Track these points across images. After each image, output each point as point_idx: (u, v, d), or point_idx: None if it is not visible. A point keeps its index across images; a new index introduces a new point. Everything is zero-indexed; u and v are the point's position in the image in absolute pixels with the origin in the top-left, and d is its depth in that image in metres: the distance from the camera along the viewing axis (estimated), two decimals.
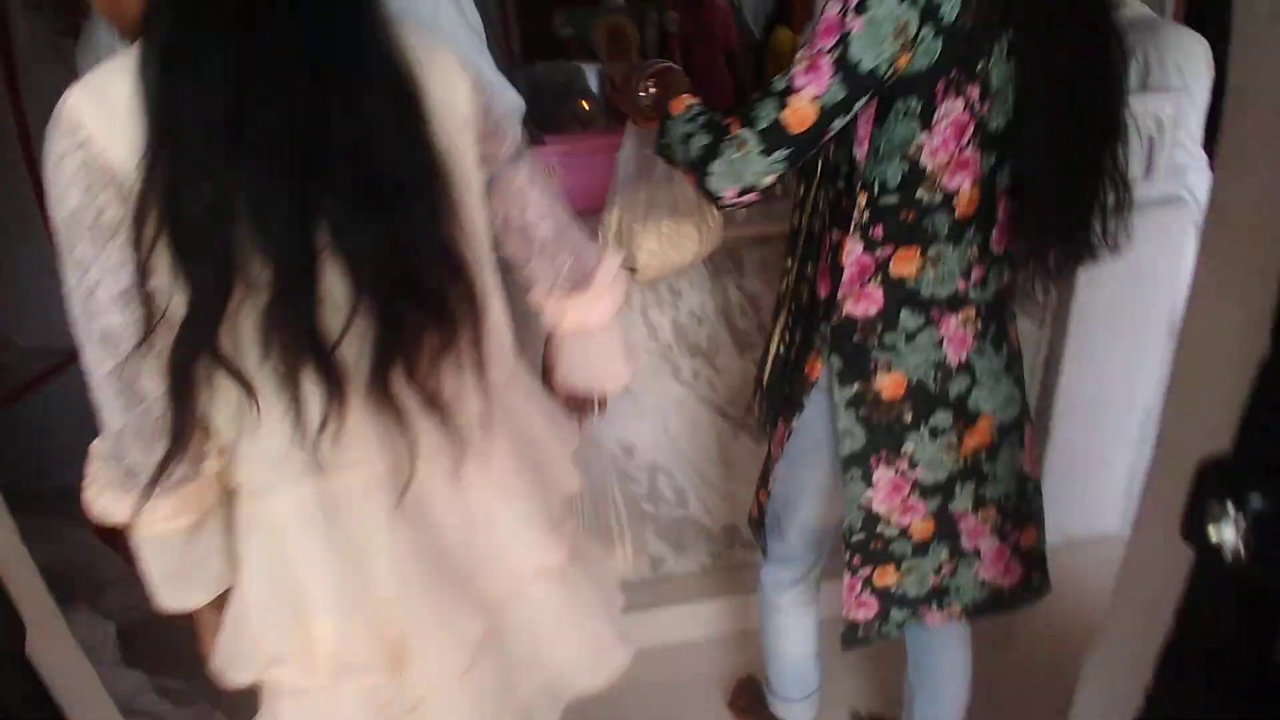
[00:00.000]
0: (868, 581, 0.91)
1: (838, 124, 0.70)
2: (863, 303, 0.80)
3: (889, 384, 0.82)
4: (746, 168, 0.70)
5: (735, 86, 3.22)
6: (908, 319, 0.80)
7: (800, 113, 0.68)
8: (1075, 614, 1.55)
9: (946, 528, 0.89)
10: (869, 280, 0.79)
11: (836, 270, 0.80)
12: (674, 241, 1.01)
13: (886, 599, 0.92)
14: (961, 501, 0.88)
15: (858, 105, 0.69)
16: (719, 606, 1.46)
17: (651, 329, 1.30)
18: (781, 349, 0.92)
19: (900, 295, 0.79)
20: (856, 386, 0.82)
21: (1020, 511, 0.92)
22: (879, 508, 0.87)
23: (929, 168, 0.73)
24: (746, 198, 0.73)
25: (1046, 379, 1.56)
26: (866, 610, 0.93)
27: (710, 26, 3.20)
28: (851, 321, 0.81)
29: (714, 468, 1.43)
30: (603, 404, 0.90)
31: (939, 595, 0.92)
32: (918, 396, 0.82)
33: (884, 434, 0.84)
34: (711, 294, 1.30)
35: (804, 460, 0.92)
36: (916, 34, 0.67)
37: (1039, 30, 0.70)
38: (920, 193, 0.75)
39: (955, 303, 0.80)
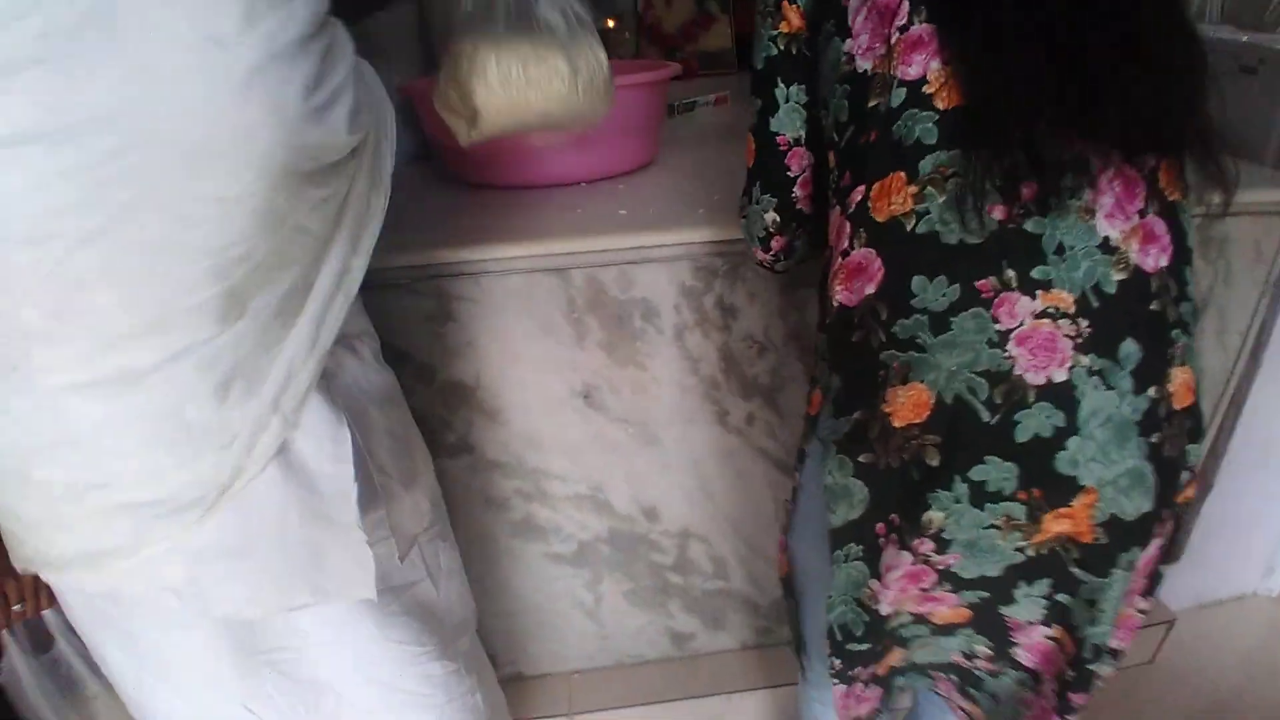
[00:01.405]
0: (871, 679, 0.69)
1: (780, 124, 0.64)
2: (855, 280, 0.56)
3: (905, 402, 0.53)
4: (748, 220, 0.70)
5: None
6: (930, 291, 0.52)
7: (747, 147, 0.67)
8: (1193, 688, 1.26)
9: (991, 624, 0.62)
10: (853, 243, 0.56)
11: (830, 257, 0.60)
12: (530, 77, 0.70)
13: (890, 677, 0.71)
14: (1025, 609, 0.59)
15: (779, 94, 0.63)
16: (761, 697, 1.14)
17: (690, 359, 0.91)
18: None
19: (906, 251, 0.53)
20: (857, 415, 0.56)
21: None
22: (887, 607, 0.61)
23: (867, 69, 0.55)
24: (775, 245, 0.69)
25: (1224, 423, 1.16)
26: (866, 705, 0.72)
27: None
28: (846, 313, 0.57)
29: (766, 533, 1.07)
30: None
31: (963, 675, 0.70)
32: (953, 425, 0.52)
33: (893, 487, 0.55)
34: (781, 312, 0.90)
35: (809, 533, 0.67)
36: None
37: None
38: (872, 101, 0.54)
39: (1021, 268, 0.51)
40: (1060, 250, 0.52)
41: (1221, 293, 1.01)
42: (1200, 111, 0.54)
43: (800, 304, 0.89)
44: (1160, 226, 0.54)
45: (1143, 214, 0.53)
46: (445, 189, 1.06)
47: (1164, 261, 0.53)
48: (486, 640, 1.08)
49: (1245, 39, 1.11)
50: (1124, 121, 0.52)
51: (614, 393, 0.93)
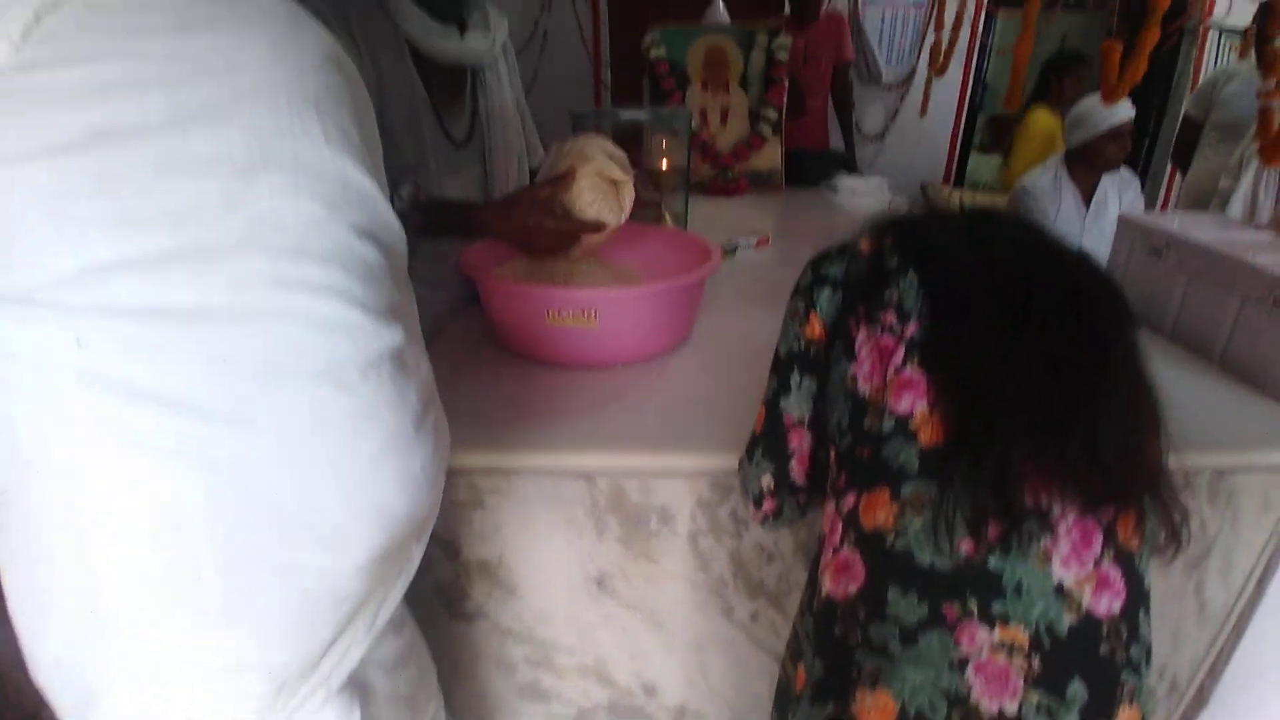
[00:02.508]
0: None
1: (789, 405, 0.71)
2: (842, 577, 0.60)
3: (871, 707, 0.56)
4: (745, 476, 0.76)
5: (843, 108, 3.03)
6: (902, 605, 0.57)
7: (758, 415, 0.74)
8: None
9: None
10: (843, 542, 0.61)
11: (822, 547, 0.66)
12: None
13: None
14: None
15: (793, 381, 0.70)
16: None
17: (701, 559, 0.96)
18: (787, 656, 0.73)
19: (885, 562, 0.58)
20: (830, 708, 0.58)
21: None
22: None
23: (866, 394, 0.63)
24: (766, 506, 0.76)
25: (1224, 648, 1.16)
26: None
27: (821, 46, 2.77)
28: (831, 606, 0.61)
29: (761, 714, 1.09)
30: None
31: None
32: None
33: None
34: (792, 529, 0.94)
35: None
36: (811, 302, 0.69)
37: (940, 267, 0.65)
38: (867, 422, 0.62)
39: (982, 600, 0.56)
40: (1019, 589, 0.56)
41: (1228, 536, 1.03)
42: (1161, 468, 0.59)
43: (810, 522, 0.94)
44: (1115, 574, 0.58)
45: (1098, 562, 0.57)
46: (488, 354, 1.14)
47: (1116, 608, 0.58)
48: None
49: None
50: (1088, 473, 0.57)
51: (626, 581, 0.98)
